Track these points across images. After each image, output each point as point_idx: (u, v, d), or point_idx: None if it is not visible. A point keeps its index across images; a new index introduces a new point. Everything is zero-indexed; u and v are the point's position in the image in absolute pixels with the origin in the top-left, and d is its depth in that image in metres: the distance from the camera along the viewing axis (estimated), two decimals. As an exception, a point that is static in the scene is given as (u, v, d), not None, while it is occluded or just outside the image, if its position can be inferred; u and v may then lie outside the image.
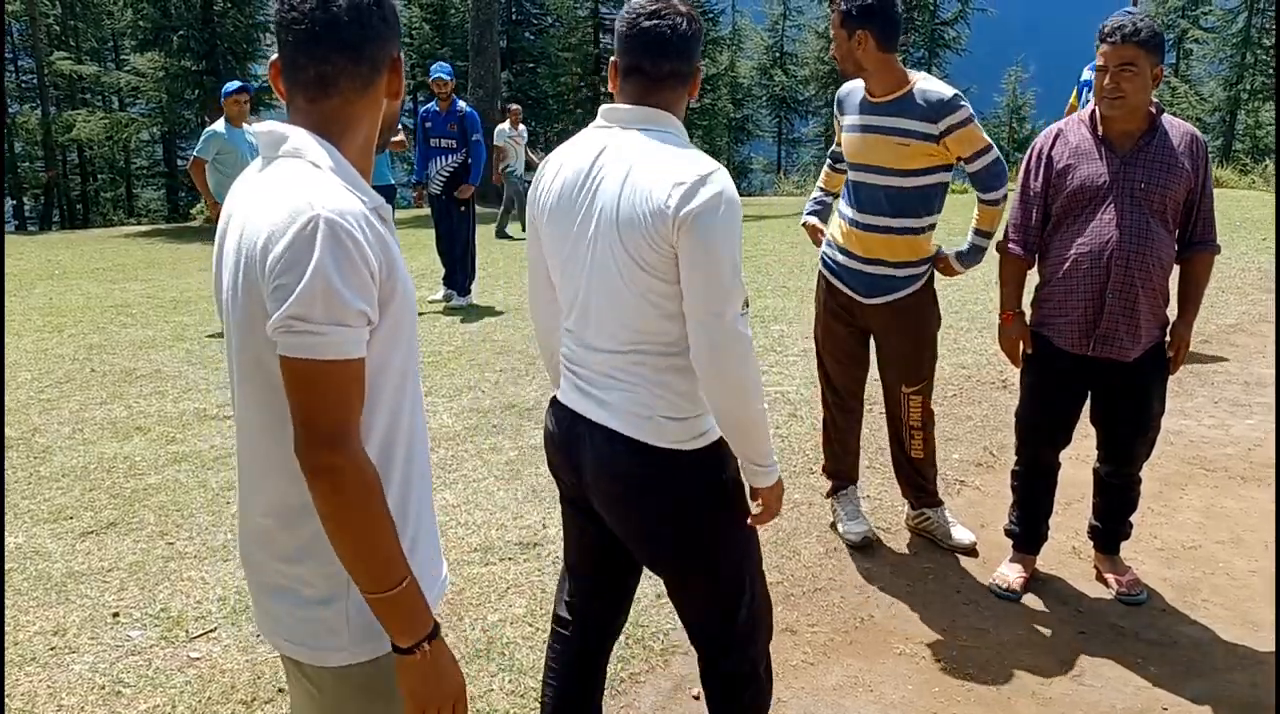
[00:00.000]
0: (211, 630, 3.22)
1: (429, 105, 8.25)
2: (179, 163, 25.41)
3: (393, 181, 8.18)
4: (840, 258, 3.61)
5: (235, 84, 7.83)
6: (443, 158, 8.12)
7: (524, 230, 13.69)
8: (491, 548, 3.77)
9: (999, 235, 3.42)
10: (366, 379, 1.39)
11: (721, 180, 1.88)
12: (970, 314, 6.88)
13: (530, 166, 13.83)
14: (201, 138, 7.68)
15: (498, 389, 5.74)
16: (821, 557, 3.70)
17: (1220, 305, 7.04)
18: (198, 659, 3.07)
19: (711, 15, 30.14)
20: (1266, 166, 20.88)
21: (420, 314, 7.94)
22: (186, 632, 3.22)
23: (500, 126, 13.51)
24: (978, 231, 3.48)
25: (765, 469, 2.03)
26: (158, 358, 6.58)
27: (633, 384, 1.99)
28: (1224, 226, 8.67)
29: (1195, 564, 3.67)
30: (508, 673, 2.98)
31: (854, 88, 3.52)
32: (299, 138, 1.42)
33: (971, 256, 3.51)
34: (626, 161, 1.93)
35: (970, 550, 3.75)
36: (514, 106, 13.99)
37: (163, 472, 4.56)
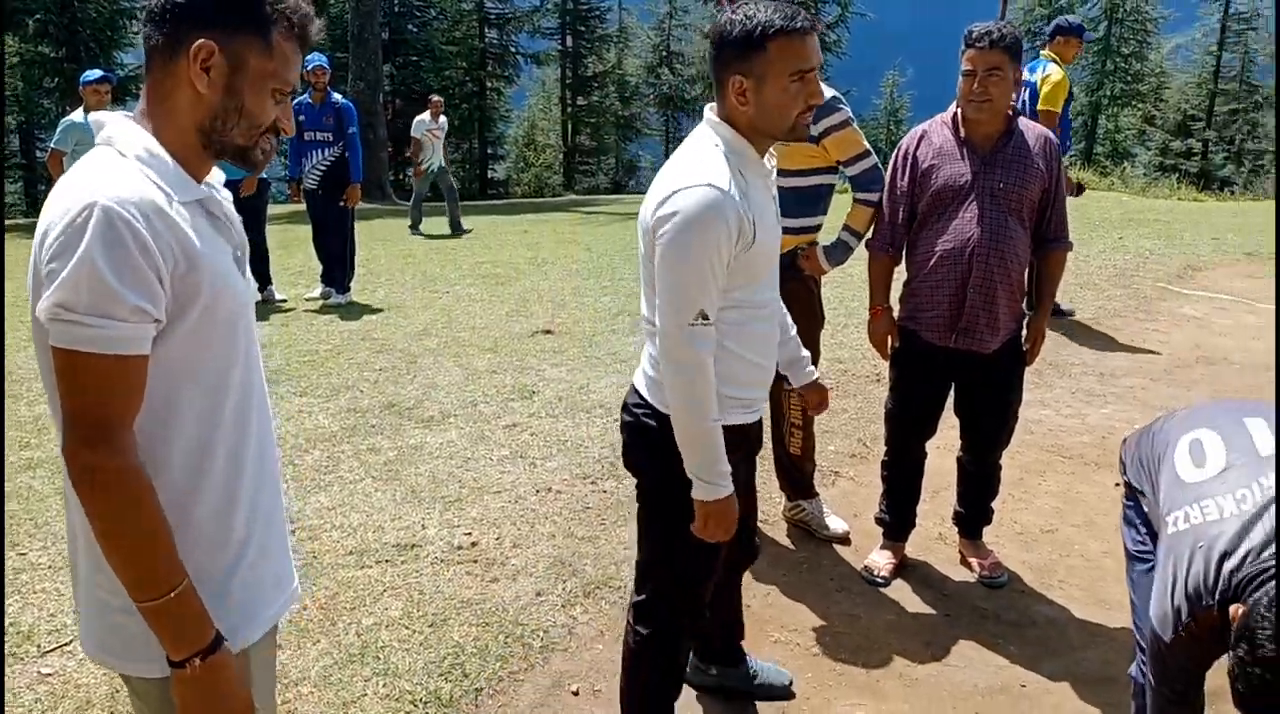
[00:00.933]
0: (66, 644, 3.07)
1: (302, 97, 8.00)
2: (38, 154, 24.09)
3: (265, 175, 7.92)
4: None
5: (96, 73, 7.47)
6: (318, 151, 7.90)
7: (416, 227, 13.20)
8: (367, 550, 3.69)
9: (869, 235, 3.51)
10: (165, 382, 1.34)
11: (689, 198, 1.98)
12: (847, 310, 7.05)
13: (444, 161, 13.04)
14: (59, 128, 7.31)
15: (377, 388, 5.62)
16: (700, 550, 3.74)
17: (1079, 301, 7.39)
18: (50, 675, 2.92)
19: (598, 13, 30.18)
20: (1125, 169, 22.05)
21: (290, 310, 7.72)
22: (38, 646, 3.06)
23: (419, 117, 12.79)
24: (849, 229, 3.55)
25: (701, 483, 2.11)
26: (12, 360, 6.22)
27: (649, 349, 2.24)
28: (1082, 225, 9.08)
29: (1052, 547, 3.85)
30: (382, 677, 2.92)
31: None
32: (113, 125, 1.38)
33: (838, 252, 3.57)
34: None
35: (844, 539, 3.85)
36: (436, 98, 13.15)
37: (15, 479, 4.32)
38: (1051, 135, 3.33)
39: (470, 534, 3.82)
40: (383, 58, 20.69)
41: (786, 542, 3.86)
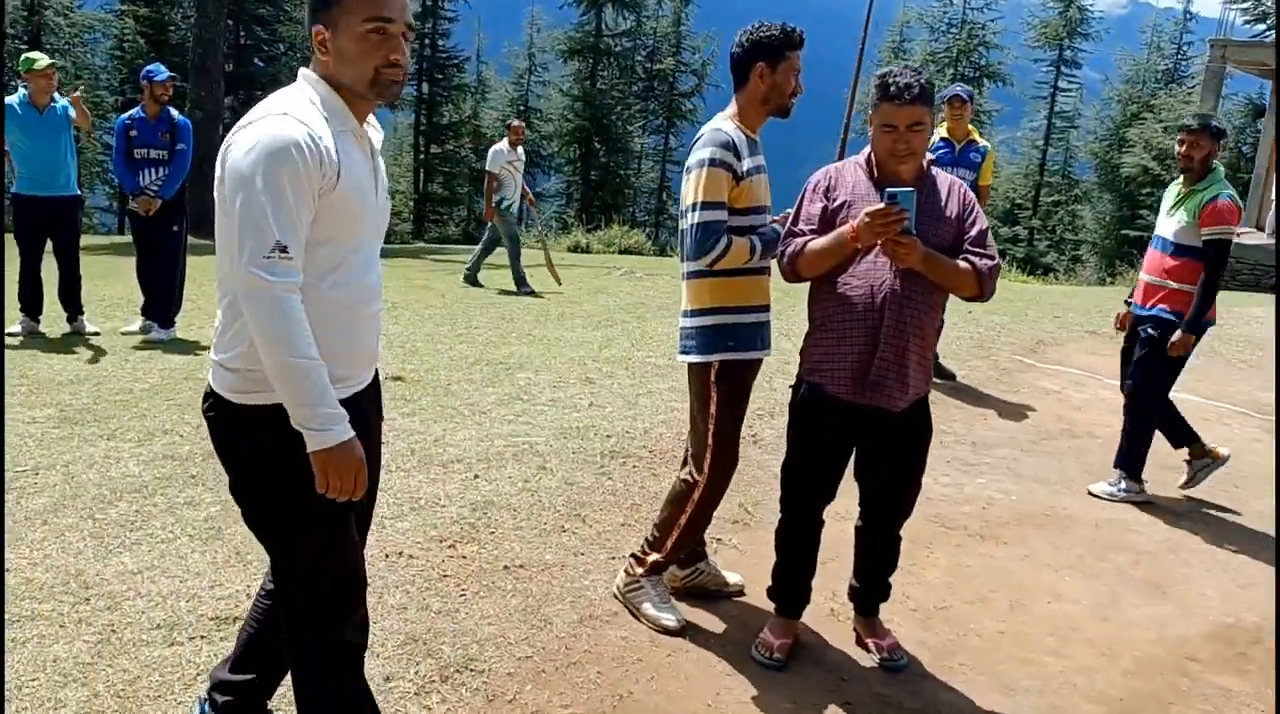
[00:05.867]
0: None
1: (133, 111, 7.25)
2: None
3: (77, 192, 7.15)
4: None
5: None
6: (152, 170, 7.15)
7: (520, 285, 10.34)
8: (179, 624, 3.10)
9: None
10: None
11: (264, 128, 1.92)
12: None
13: (525, 198, 11.09)
14: None
15: (199, 433, 4.96)
16: (575, 625, 3.32)
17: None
18: None
19: (456, 62, 29.86)
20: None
21: (101, 345, 6.91)
22: None
23: (496, 147, 10.50)
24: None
25: (310, 432, 1.95)
26: None
27: (220, 328, 2.10)
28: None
29: (948, 625, 3.60)
30: (188, 788, 2.36)
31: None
32: None
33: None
34: None
35: (741, 591, 3.63)
36: (516, 122, 10.98)
37: None
38: (960, 181, 3.16)
39: (306, 606, 3.27)
40: (224, 90, 19.61)
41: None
